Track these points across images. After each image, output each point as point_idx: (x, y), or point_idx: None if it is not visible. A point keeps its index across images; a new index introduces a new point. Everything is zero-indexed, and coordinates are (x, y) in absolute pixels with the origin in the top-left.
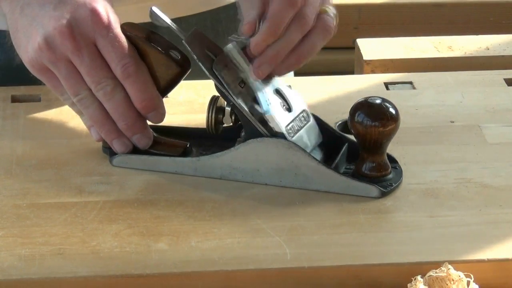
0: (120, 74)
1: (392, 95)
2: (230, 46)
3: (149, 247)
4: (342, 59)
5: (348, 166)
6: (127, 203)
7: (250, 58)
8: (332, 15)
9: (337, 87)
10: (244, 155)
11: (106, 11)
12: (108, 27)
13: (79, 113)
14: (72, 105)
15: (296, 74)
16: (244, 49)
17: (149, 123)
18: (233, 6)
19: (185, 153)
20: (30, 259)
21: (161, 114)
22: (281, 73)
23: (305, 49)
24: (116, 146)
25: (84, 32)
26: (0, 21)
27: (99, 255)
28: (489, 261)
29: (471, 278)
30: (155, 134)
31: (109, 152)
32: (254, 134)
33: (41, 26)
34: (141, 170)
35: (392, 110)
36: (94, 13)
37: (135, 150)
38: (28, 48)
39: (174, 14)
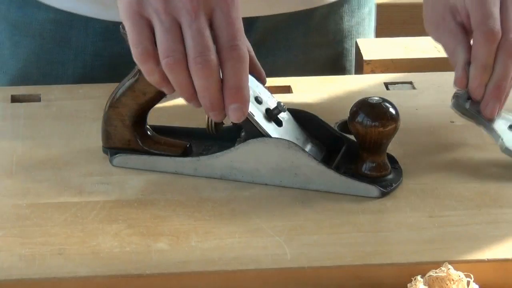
0: (227, 50)
1: (392, 95)
2: None
3: (149, 247)
4: None
5: (348, 166)
6: (127, 203)
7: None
8: None
9: (337, 87)
10: (244, 155)
11: None
12: (230, 4)
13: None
14: (148, 65)
15: (296, 74)
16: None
17: (150, 122)
18: (327, 6)
19: (185, 153)
20: (30, 259)
21: (243, 112)
22: (494, 112)
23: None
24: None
25: None
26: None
27: (99, 255)
28: (489, 261)
29: (471, 278)
30: (155, 134)
31: (109, 152)
32: (254, 134)
33: None
34: (141, 170)
35: (392, 110)
36: None
37: (135, 150)
38: None
39: (269, 11)
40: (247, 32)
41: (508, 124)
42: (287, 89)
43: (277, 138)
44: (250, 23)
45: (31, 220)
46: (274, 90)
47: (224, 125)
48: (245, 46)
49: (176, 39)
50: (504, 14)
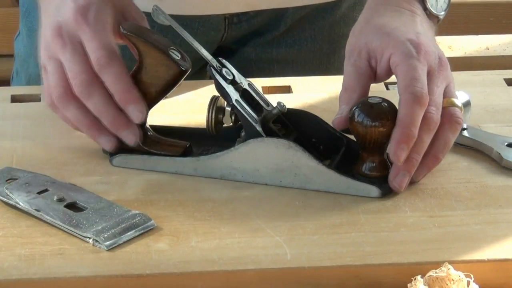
0: (94, 67)
1: (392, 95)
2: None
3: (149, 247)
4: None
5: (348, 166)
6: (127, 203)
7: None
8: (459, 105)
9: (337, 87)
10: (244, 155)
11: (88, 8)
12: (87, 25)
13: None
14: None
15: (296, 74)
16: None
17: (150, 122)
18: None
19: (185, 153)
20: (30, 259)
21: (139, 110)
22: (419, 176)
23: (439, 147)
24: (101, 143)
25: (69, 30)
26: None
27: (99, 255)
28: (489, 261)
29: (471, 278)
30: (155, 134)
31: (109, 152)
32: (254, 134)
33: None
34: (141, 170)
35: (392, 110)
36: (77, 11)
37: (135, 150)
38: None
39: (298, 2)
40: (277, 23)
41: (505, 143)
42: (287, 89)
43: (278, 138)
44: (279, 14)
45: (31, 220)
46: (274, 90)
47: (224, 125)
48: (109, 51)
49: (59, 76)
50: (430, 85)
